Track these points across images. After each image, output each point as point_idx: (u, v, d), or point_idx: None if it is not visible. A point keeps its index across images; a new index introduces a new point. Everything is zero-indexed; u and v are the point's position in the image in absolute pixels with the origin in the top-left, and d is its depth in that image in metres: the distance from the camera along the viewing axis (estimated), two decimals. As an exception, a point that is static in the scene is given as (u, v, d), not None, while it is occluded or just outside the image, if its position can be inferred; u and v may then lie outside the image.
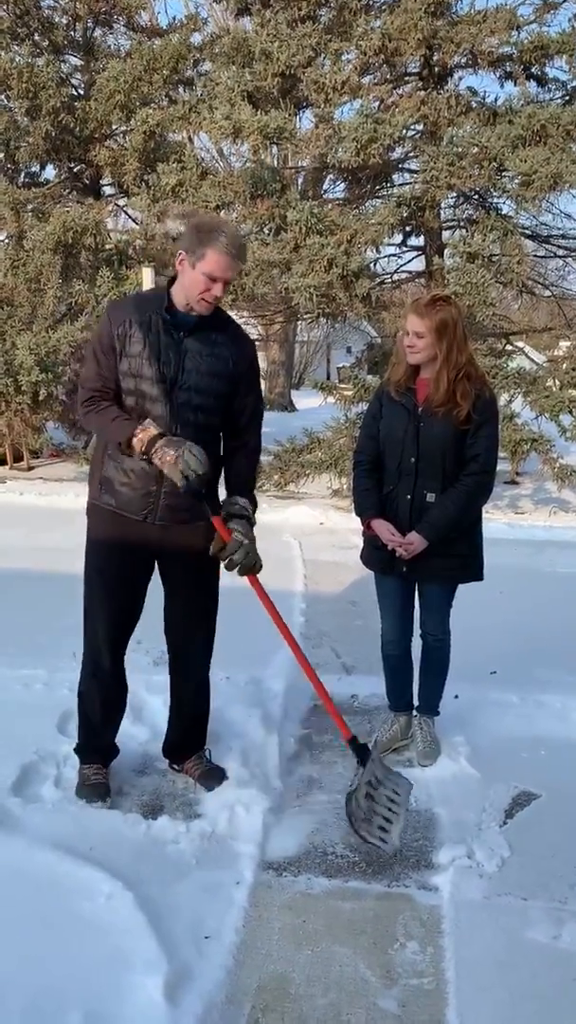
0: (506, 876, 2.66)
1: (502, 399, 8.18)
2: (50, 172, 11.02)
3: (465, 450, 3.11)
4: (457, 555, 3.23)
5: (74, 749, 3.11)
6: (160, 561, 2.99)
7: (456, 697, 3.84)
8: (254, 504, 2.94)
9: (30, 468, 10.70)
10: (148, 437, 2.63)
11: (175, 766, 3.21)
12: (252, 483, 2.99)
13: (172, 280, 2.80)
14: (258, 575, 2.87)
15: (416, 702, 3.53)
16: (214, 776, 3.10)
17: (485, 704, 3.80)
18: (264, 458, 9.12)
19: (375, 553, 3.29)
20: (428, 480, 3.14)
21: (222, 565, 2.85)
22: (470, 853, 2.75)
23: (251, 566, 2.82)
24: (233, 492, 2.92)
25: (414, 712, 3.54)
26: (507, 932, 2.41)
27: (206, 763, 3.16)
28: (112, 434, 2.76)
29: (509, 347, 9.34)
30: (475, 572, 3.31)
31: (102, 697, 3.05)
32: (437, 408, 3.08)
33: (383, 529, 3.18)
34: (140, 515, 2.83)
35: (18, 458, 10.71)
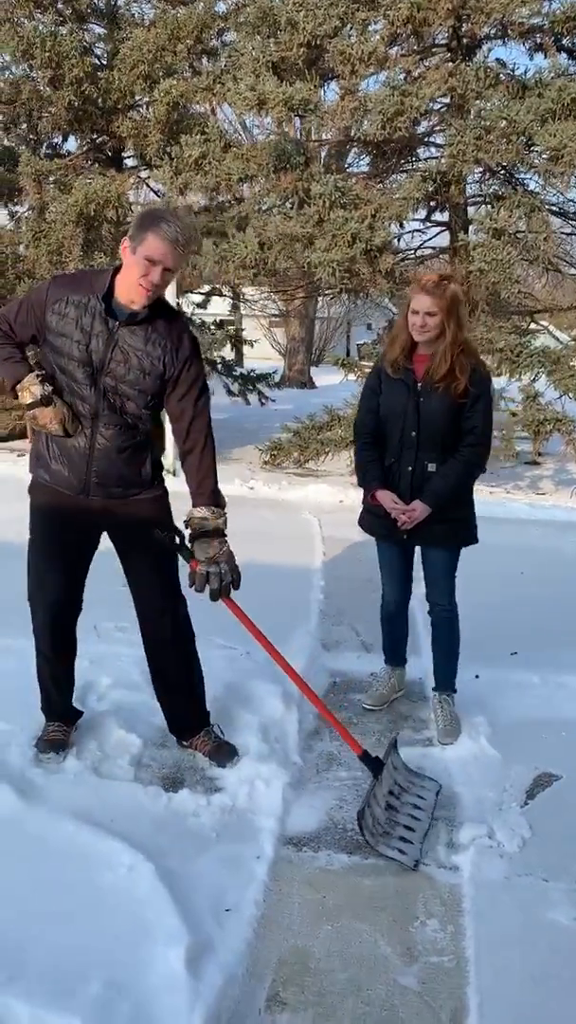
0: (527, 856, 2.66)
1: (525, 378, 8.11)
2: (72, 143, 10.92)
3: (463, 422, 3.25)
4: (453, 520, 3.35)
5: (40, 708, 3.16)
6: (109, 535, 2.97)
7: (477, 677, 3.83)
8: (218, 504, 2.86)
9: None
10: (28, 400, 2.69)
11: (184, 743, 3.18)
12: (209, 484, 2.87)
13: (118, 269, 2.75)
14: (227, 596, 2.84)
15: (433, 682, 3.58)
16: (224, 752, 3.09)
17: (506, 685, 3.79)
18: (283, 435, 9.10)
19: (376, 520, 3.44)
20: (429, 452, 3.28)
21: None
22: (491, 833, 2.75)
23: (222, 590, 2.80)
24: (194, 501, 2.86)
25: (432, 691, 3.58)
26: (527, 912, 2.41)
27: (215, 738, 3.14)
28: (1, 372, 2.79)
29: (533, 325, 9.22)
30: (471, 535, 3.44)
31: (50, 669, 3.09)
32: (438, 383, 3.20)
33: (387, 499, 3.30)
34: (74, 491, 2.83)
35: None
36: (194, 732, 3.16)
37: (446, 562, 3.44)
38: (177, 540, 2.92)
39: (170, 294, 6.51)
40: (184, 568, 2.94)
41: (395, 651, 3.74)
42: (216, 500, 2.86)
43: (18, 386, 2.74)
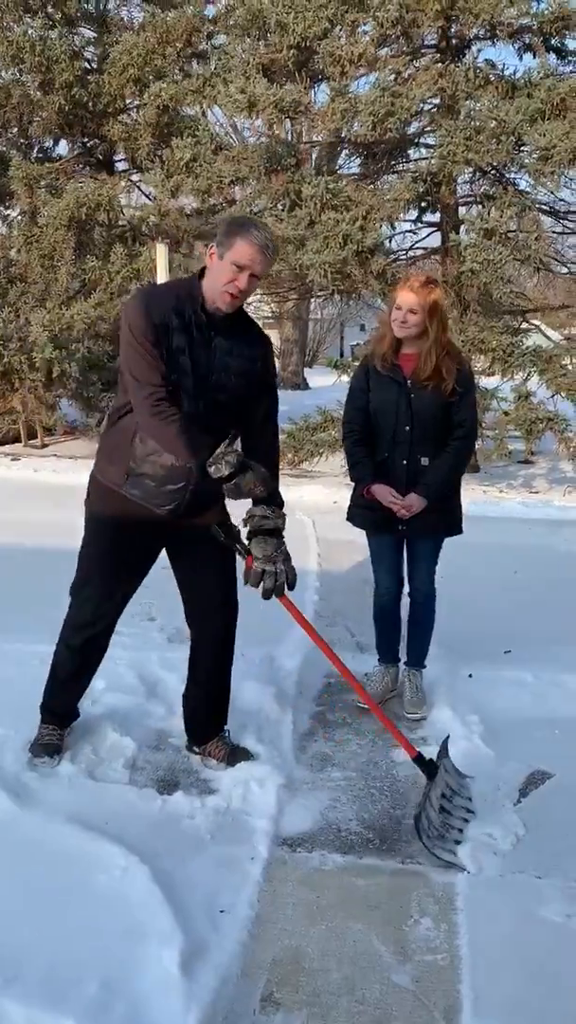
0: (520, 854, 2.67)
1: (517, 377, 8.13)
2: (63, 147, 10.95)
3: (452, 416, 3.39)
4: (443, 510, 3.48)
5: (40, 707, 3.13)
6: (170, 544, 2.96)
7: (470, 676, 3.84)
8: (278, 504, 2.85)
9: (44, 445, 10.72)
10: (228, 468, 2.55)
11: (196, 748, 3.16)
12: (276, 475, 2.90)
13: (201, 273, 2.71)
14: (283, 594, 2.80)
15: (405, 657, 3.74)
16: (240, 756, 3.08)
17: (499, 683, 3.80)
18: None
19: (368, 514, 3.52)
20: (422, 446, 3.40)
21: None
22: (485, 831, 2.75)
23: (275, 589, 2.76)
24: (254, 500, 2.83)
25: (403, 665, 3.76)
26: (521, 910, 2.42)
27: (229, 744, 3.14)
28: (176, 454, 2.66)
29: (525, 325, 9.25)
30: (458, 524, 3.58)
31: (73, 663, 3.06)
32: (426, 382, 3.33)
33: (384, 492, 3.39)
34: (164, 510, 2.79)
35: (32, 435, 10.73)
36: (211, 737, 3.14)
37: (433, 549, 3.59)
38: (233, 536, 2.87)
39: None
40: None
41: (389, 648, 3.77)
42: (276, 500, 2.84)
43: (209, 462, 2.57)
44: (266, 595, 2.76)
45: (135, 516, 2.82)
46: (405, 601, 3.73)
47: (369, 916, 2.41)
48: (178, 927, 2.22)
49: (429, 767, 2.88)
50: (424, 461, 3.40)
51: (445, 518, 3.52)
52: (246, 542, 2.82)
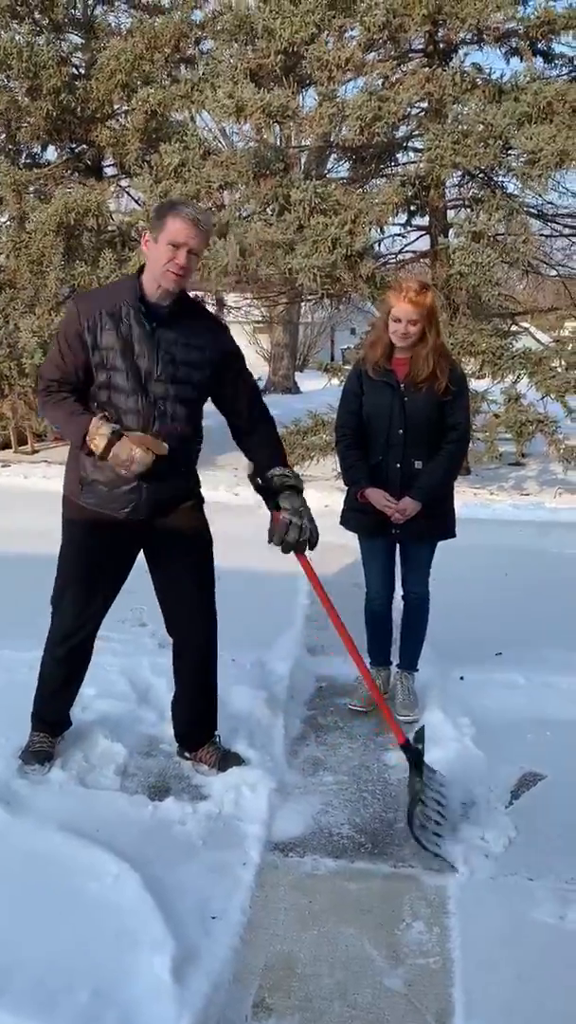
0: (512, 856, 2.67)
1: (507, 380, 8.15)
2: (51, 153, 10.91)
3: (445, 419, 3.40)
4: (438, 515, 3.50)
5: (31, 715, 3.13)
6: (147, 551, 2.95)
7: (462, 678, 3.85)
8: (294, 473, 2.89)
9: (34, 451, 10.70)
10: (102, 444, 2.59)
11: (187, 754, 3.16)
12: (281, 452, 2.93)
13: (141, 269, 2.73)
14: (307, 551, 2.83)
15: (397, 659, 3.75)
16: (232, 761, 3.07)
17: (491, 685, 3.80)
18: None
19: (361, 518, 3.52)
20: (415, 449, 3.41)
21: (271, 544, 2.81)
22: (476, 834, 2.75)
23: (298, 544, 2.78)
24: (269, 464, 2.87)
25: (395, 668, 3.77)
26: (513, 912, 2.42)
27: (221, 749, 3.13)
28: (67, 432, 2.72)
29: (514, 327, 9.27)
30: (451, 528, 3.60)
31: (62, 675, 3.06)
32: (420, 384, 3.34)
33: (378, 496, 3.40)
34: (121, 513, 2.78)
35: (22, 441, 10.71)
36: (202, 743, 3.13)
37: (426, 553, 3.60)
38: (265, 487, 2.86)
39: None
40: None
41: (380, 651, 3.78)
42: (289, 468, 2.88)
43: (87, 438, 2.64)
44: (287, 548, 2.78)
45: (103, 523, 2.81)
46: (396, 604, 3.73)
47: (361, 920, 2.40)
48: (170, 933, 2.22)
49: (416, 754, 2.87)
50: (418, 464, 3.41)
51: (438, 522, 3.52)
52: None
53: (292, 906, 2.45)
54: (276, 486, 2.82)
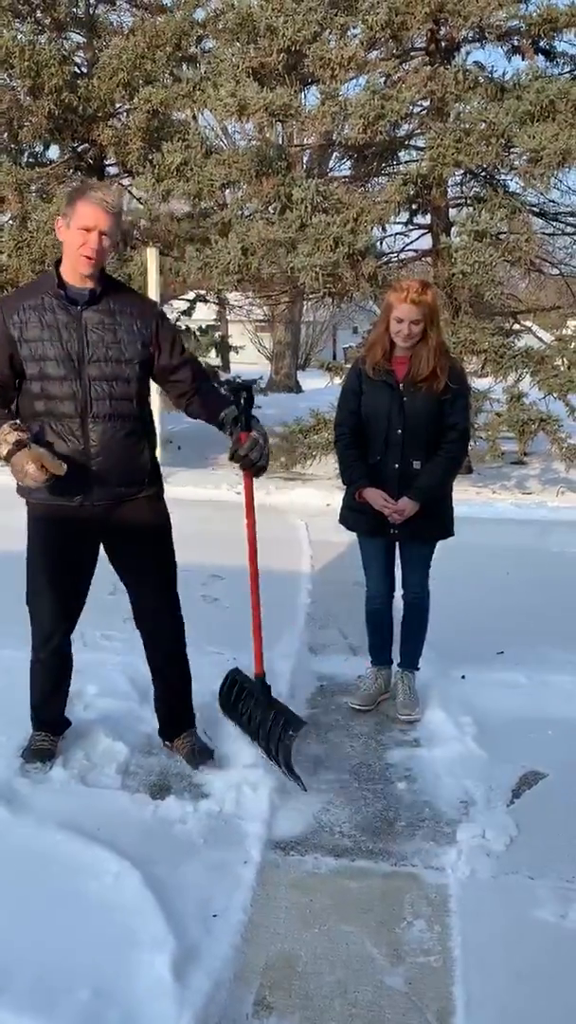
0: (513, 855, 2.67)
1: (510, 379, 8.14)
2: (53, 152, 10.92)
3: (444, 419, 3.38)
4: (434, 514, 3.48)
5: (30, 718, 3.15)
6: (107, 544, 2.97)
7: (463, 677, 3.85)
8: None
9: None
10: (4, 452, 2.63)
11: (167, 743, 3.22)
12: (228, 401, 2.92)
13: (59, 261, 2.78)
14: (257, 477, 2.91)
15: (398, 659, 3.73)
16: (203, 754, 3.12)
17: (492, 684, 3.80)
18: (270, 439, 9.09)
19: (360, 517, 3.51)
20: (414, 449, 3.39)
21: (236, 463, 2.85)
22: (477, 832, 2.75)
23: (260, 467, 2.83)
24: (225, 407, 2.86)
25: (396, 667, 3.75)
26: (514, 911, 2.42)
27: (196, 740, 3.17)
28: None
29: (517, 326, 9.27)
30: (449, 528, 3.59)
31: (48, 678, 3.09)
32: (421, 383, 3.32)
33: (376, 496, 3.39)
34: (75, 500, 2.80)
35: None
36: (179, 733, 3.18)
37: (425, 555, 3.59)
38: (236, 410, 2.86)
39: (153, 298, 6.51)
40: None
41: (381, 650, 3.77)
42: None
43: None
44: (247, 464, 2.79)
45: (62, 515, 2.84)
46: (397, 603, 3.72)
47: (362, 919, 2.40)
48: (170, 932, 2.22)
49: (267, 689, 3.06)
50: (416, 464, 3.40)
51: (437, 522, 3.51)
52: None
53: (293, 905, 2.45)
54: (238, 412, 2.82)
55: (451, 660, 3.95)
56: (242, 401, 2.82)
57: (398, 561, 3.65)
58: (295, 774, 2.90)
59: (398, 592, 3.70)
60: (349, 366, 9.07)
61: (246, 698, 3.19)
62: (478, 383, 8.57)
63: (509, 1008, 2.09)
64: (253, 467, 2.80)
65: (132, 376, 2.79)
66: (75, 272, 2.71)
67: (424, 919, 2.41)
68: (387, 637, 3.77)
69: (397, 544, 3.58)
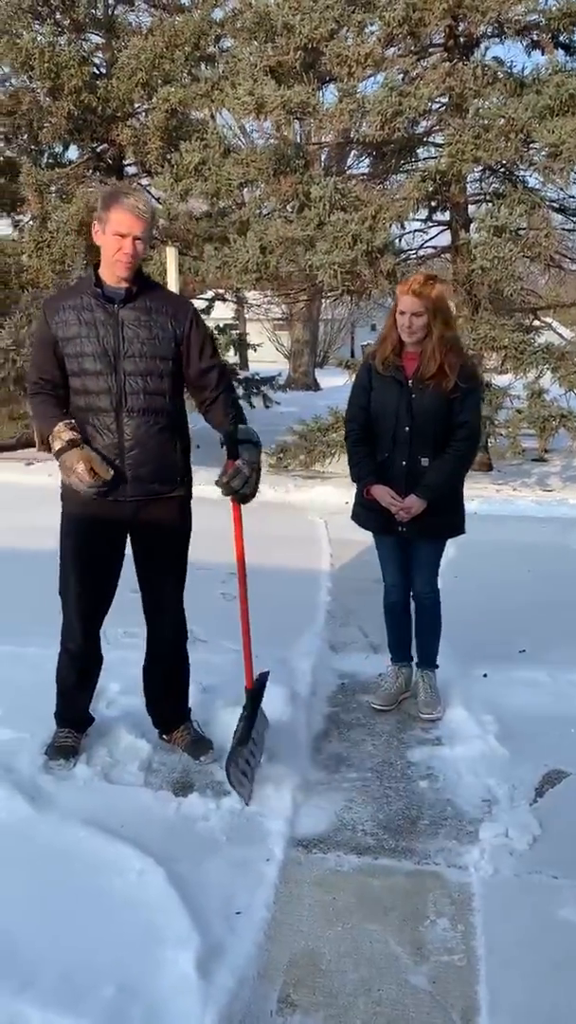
0: (537, 854, 2.66)
1: (530, 375, 8.10)
2: (73, 152, 10.99)
3: (453, 416, 3.33)
4: (444, 511, 3.44)
5: (53, 714, 3.18)
6: (132, 538, 3.03)
7: (485, 676, 3.83)
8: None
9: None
10: (57, 447, 2.77)
11: (164, 737, 3.24)
12: (242, 416, 2.98)
13: (97, 265, 2.89)
14: (243, 505, 2.90)
15: (416, 659, 3.70)
16: (202, 746, 3.16)
17: (514, 683, 3.78)
18: (288, 438, 9.11)
19: (370, 515, 3.50)
20: (422, 447, 3.36)
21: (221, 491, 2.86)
22: (500, 831, 2.74)
23: (243, 495, 2.83)
24: (229, 424, 2.91)
25: (415, 666, 3.72)
26: (538, 910, 2.41)
27: (193, 733, 3.21)
28: (41, 431, 2.90)
29: (537, 322, 9.21)
30: (460, 526, 3.55)
31: (75, 671, 3.14)
32: (428, 380, 3.29)
33: (383, 493, 3.38)
34: (109, 495, 2.86)
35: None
36: (176, 726, 3.22)
37: (433, 552, 3.55)
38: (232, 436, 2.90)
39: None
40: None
41: (400, 647, 3.75)
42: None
43: (50, 436, 2.81)
44: (227, 492, 2.81)
45: (95, 508, 2.90)
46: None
47: (385, 917, 2.40)
48: (194, 929, 2.23)
49: (254, 702, 2.95)
50: (424, 462, 3.36)
51: (446, 519, 3.47)
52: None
53: (316, 902, 2.46)
54: (241, 436, 2.86)
55: (473, 658, 3.94)
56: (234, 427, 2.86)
57: None
58: (232, 784, 2.80)
59: None
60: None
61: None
62: (498, 380, 8.53)
63: (534, 1008, 2.09)
64: (235, 495, 2.83)
65: (165, 371, 2.86)
66: (112, 274, 2.82)
67: (447, 918, 2.40)
68: (406, 634, 3.74)
69: (409, 542, 3.56)
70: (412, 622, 3.74)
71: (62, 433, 2.78)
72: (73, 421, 2.83)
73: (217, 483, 2.81)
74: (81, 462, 2.74)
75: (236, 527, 2.96)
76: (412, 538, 3.50)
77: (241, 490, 2.80)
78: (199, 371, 2.92)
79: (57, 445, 2.78)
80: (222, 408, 2.95)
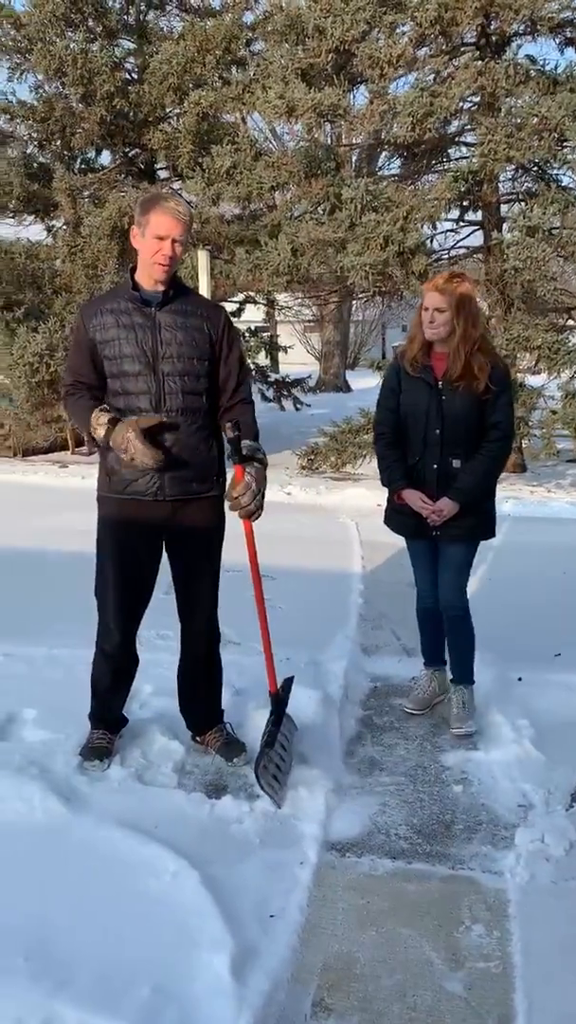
0: (574, 860, 2.62)
1: (564, 375, 8.02)
2: (105, 158, 11.08)
3: (485, 417, 3.27)
4: (476, 514, 3.37)
5: (88, 715, 3.21)
6: (168, 538, 3.05)
7: (520, 679, 3.80)
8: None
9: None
10: (102, 433, 2.78)
11: (197, 739, 3.26)
12: (256, 433, 3.00)
13: (134, 267, 2.93)
14: (253, 522, 2.93)
15: (450, 674, 3.61)
16: (235, 748, 3.17)
17: (549, 686, 3.74)
18: (320, 440, 9.11)
19: (403, 519, 3.45)
20: (453, 448, 3.30)
21: (226, 505, 2.90)
22: (536, 837, 2.71)
23: (251, 511, 2.86)
24: (240, 437, 2.91)
25: (449, 679, 3.62)
26: (575, 917, 2.37)
27: (226, 735, 3.22)
28: (81, 427, 2.91)
29: (571, 322, 9.12)
30: (491, 528, 3.47)
31: (110, 672, 3.17)
32: (456, 382, 3.24)
33: (414, 497, 3.33)
34: (150, 494, 2.90)
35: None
36: (209, 728, 3.23)
37: (463, 556, 3.45)
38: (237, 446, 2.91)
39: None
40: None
41: (434, 650, 3.71)
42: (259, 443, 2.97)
43: (90, 428, 2.83)
44: (236, 507, 2.84)
45: (132, 510, 2.94)
46: None
47: (420, 922, 2.39)
48: (228, 932, 2.23)
49: (280, 705, 2.99)
50: (456, 464, 3.30)
51: (476, 522, 3.39)
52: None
53: (350, 906, 2.45)
54: (247, 453, 2.88)
55: (507, 661, 3.90)
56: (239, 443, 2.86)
57: None
58: (263, 789, 2.84)
59: None
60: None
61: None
62: (532, 380, 8.45)
63: (571, 1016, 2.06)
64: (242, 510, 2.84)
65: (202, 372, 2.91)
66: (150, 277, 2.86)
67: (483, 924, 2.38)
68: (439, 638, 3.68)
69: (438, 546, 3.48)
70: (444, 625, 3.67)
71: (100, 418, 2.80)
72: (107, 406, 2.86)
73: (225, 497, 2.86)
74: (130, 430, 2.73)
75: (248, 543, 2.98)
76: (440, 542, 3.44)
77: (249, 506, 2.83)
78: (223, 376, 2.96)
79: (101, 432, 2.79)
80: (235, 417, 2.96)
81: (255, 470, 2.87)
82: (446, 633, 3.58)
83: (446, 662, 3.71)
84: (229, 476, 2.92)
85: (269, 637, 3.04)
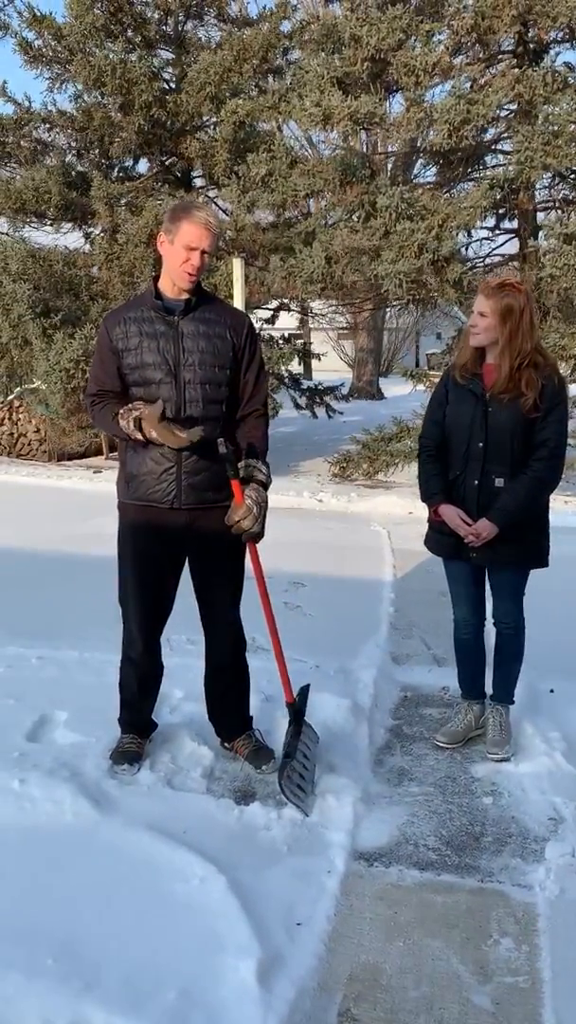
0: (605, 876, 2.59)
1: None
2: (143, 166, 11.19)
3: (534, 435, 3.07)
4: (525, 541, 3.18)
5: (117, 720, 3.24)
6: (189, 551, 3.05)
7: (552, 692, 3.76)
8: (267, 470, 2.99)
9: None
10: (132, 427, 2.79)
11: (226, 745, 3.27)
12: (264, 448, 3.00)
13: (157, 276, 2.93)
14: (257, 543, 2.95)
15: (490, 691, 3.48)
16: (263, 756, 3.17)
17: (582, 699, 3.70)
18: (352, 447, 9.10)
19: (441, 539, 3.27)
20: (496, 465, 3.10)
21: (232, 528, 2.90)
22: (567, 851, 2.68)
23: (255, 534, 2.88)
24: (247, 454, 2.96)
25: (488, 700, 3.49)
26: (606, 933, 2.35)
27: (255, 742, 3.22)
28: (112, 428, 2.92)
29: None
30: (542, 558, 3.25)
31: (136, 679, 3.18)
32: (501, 394, 3.06)
33: (452, 515, 3.15)
34: (166, 502, 2.91)
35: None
36: (238, 734, 3.24)
37: (513, 584, 3.28)
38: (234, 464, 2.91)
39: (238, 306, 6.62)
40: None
41: (471, 684, 3.51)
42: (266, 464, 2.98)
43: (120, 426, 2.84)
44: (238, 531, 2.86)
45: (152, 517, 2.96)
46: (489, 630, 3.47)
47: (448, 934, 2.37)
48: (255, 938, 2.23)
49: (297, 714, 3.01)
50: (499, 482, 3.09)
51: (524, 548, 3.18)
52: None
53: (377, 916, 2.44)
54: (247, 474, 2.90)
55: (539, 673, 3.86)
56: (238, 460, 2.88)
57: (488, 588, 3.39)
58: (289, 799, 2.85)
59: (490, 619, 3.43)
60: (434, 372, 8.96)
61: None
62: (568, 390, 8.36)
63: (601, 1034, 2.03)
64: (245, 534, 2.86)
65: (223, 380, 2.91)
66: (174, 285, 2.87)
67: (511, 937, 2.36)
68: (478, 669, 3.48)
69: (486, 569, 3.32)
70: (485, 655, 3.49)
71: (124, 414, 2.81)
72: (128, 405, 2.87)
73: (227, 520, 2.86)
74: (156, 409, 2.74)
75: (254, 563, 2.99)
76: (487, 565, 3.27)
77: (251, 529, 2.85)
78: (241, 384, 2.97)
79: (132, 426, 2.79)
80: (245, 436, 2.98)
81: (256, 492, 2.88)
82: (495, 650, 3.40)
83: (486, 695, 3.51)
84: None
85: (281, 650, 3.05)
